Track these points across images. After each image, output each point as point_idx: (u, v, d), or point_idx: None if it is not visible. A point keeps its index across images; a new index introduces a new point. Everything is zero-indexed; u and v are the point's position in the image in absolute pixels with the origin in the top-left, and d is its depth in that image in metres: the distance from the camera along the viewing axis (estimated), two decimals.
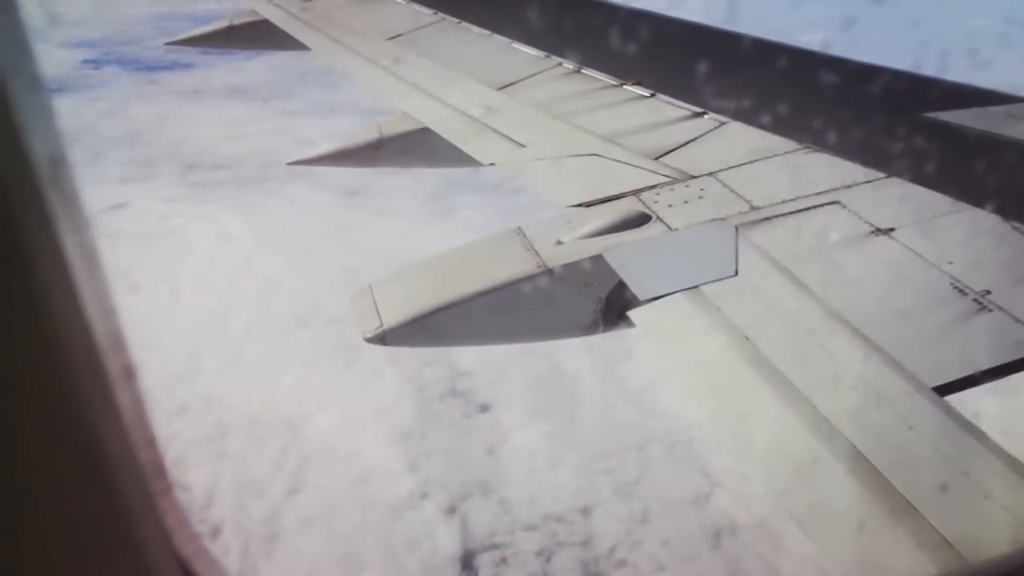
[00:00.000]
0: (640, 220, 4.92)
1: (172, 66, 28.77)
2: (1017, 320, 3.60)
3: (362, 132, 7.53)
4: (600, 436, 11.74)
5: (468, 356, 12.81)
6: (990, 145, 5.27)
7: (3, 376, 0.55)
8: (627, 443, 11.43)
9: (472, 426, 12.25)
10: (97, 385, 0.59)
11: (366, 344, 4.45)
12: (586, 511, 10.44)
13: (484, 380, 12.91)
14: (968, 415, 3.10)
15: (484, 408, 12.60)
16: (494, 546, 10.04)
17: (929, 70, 6.60)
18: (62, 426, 0.57)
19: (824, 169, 5.20)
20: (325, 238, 17.56)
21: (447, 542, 10.10)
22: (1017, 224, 4.23)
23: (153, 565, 0.62)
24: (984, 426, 3.04)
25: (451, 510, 10.51)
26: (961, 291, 3.82)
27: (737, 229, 4.63)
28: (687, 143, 5.93)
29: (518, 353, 12.55)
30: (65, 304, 0.56)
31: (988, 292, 3.77)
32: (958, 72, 6.66)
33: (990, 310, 3.68)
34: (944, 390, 3.25)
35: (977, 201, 4.46)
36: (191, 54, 24.70)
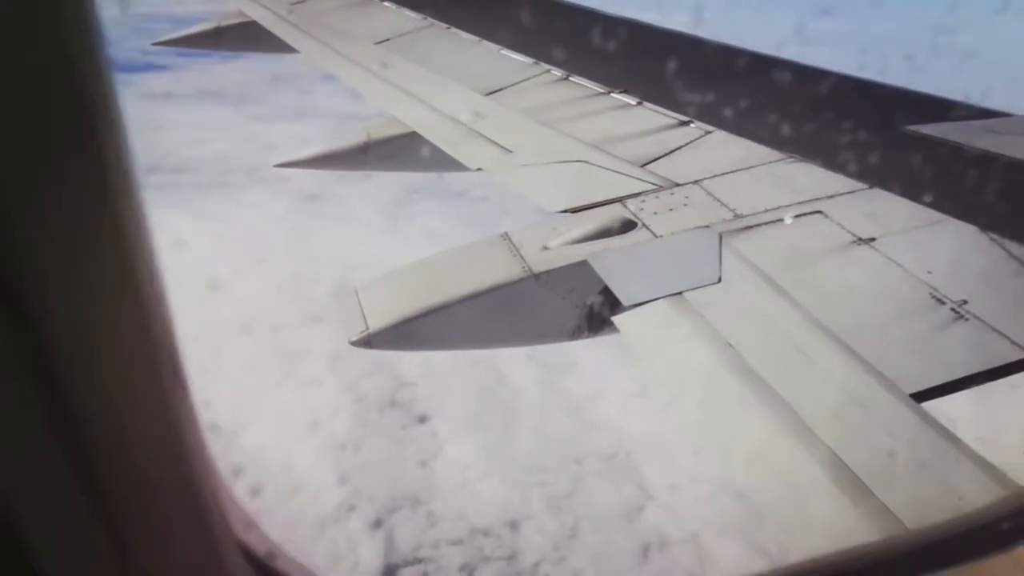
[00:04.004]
0: (625, 227, 4.96)
1: (146, 68, 28.47)
2: (993, 329, 3.67)
3: (350, 135, 7.55)
4: (537, 448, 11.62)
5: (412, 366, 12.69)
6: (969, 158, 5.36)
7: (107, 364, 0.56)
8: (563, 456, 11.32)
9: (408, 437, 12.09)
10: (176, 375, 0.60)
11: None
12: (515, 525, 10.33)
13: (425, 391, 12.73)
14: (945, 421, 3.16)
15: (422, 419, 12.42)
16: (417, 560, 9.92)
17: (910, 83, 6.71)
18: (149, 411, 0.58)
19: (807, 179, 5.27)
20: (279, 245, 17.38)
21: (370, 557, 9.95)
22: (994, 235, 4.31)
23: (224, 547, 0.63)
24: (960, 432, 3.09)
25: (377, 524, 10.38)
26: (939, 300, 3.89)
27: (721, 237, 4.68)
28: (673, 151, 5.99)
29: (462, 363, 12.38)
30: (148, 295, 0.57)
31: (965, 302, 3.84)
32: (938, 84, 6.77)
33: (967, 319, 3.75)
34: (921, 397, 3.30)
35: (956, 213, 4.54)
36: (167, 56, 24.60)
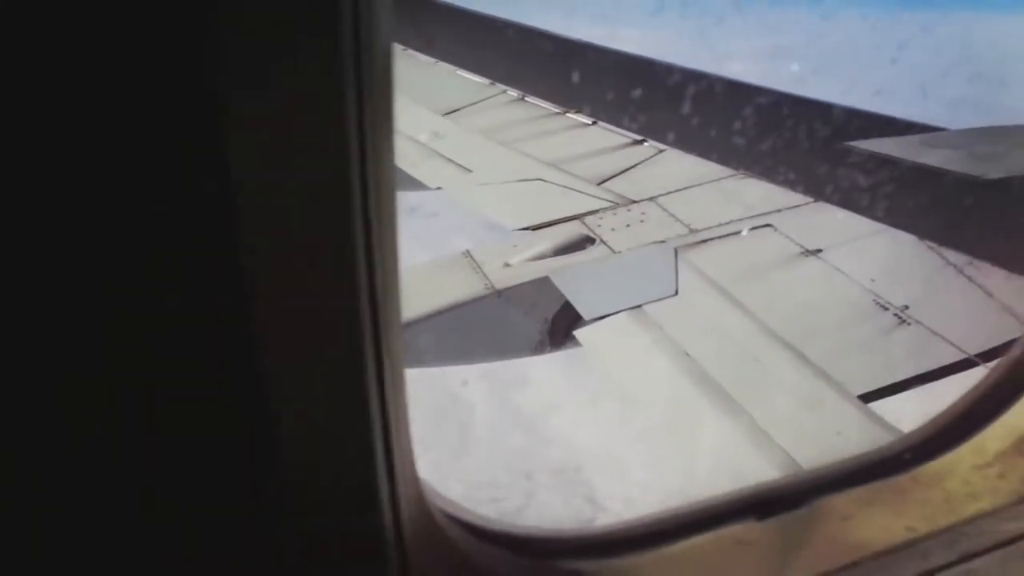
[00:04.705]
0: (584, 243, 5.10)
1: None
2: (934, 332, 3.88)
3: None
4: (489, 464, 11.58)
5: None
6: (907, 171, 5.63)
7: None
8: (516, 471, 11.33)
9: None
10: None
11: None
12: None
13: None
14: (891, 420, 3.33)
15: None
16: None
17: (851, 101, 7.00)
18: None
19: (756, 194, 5.49)
20: None
21: None
22: (932, 243, 4.56)
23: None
24: (905, 430, 3.26)
25: None
26: (883, 307, 4.10)
27: (677, 251, 4.84)
28: (628, 169, 6.17)
29: (414, 380, 12.32)
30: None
31: (907, 307, 4.06)
32: (878, 102, 7.09)
33: (909, 323, 3.97)
34: (869, 397, 3.48)
35: (896, 223, 4.79)
36: None
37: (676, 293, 4.42)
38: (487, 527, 0.76)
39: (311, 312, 0.58)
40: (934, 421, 1.12)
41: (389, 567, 0.64)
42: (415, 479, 0.68)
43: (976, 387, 1.14)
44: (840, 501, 0.95)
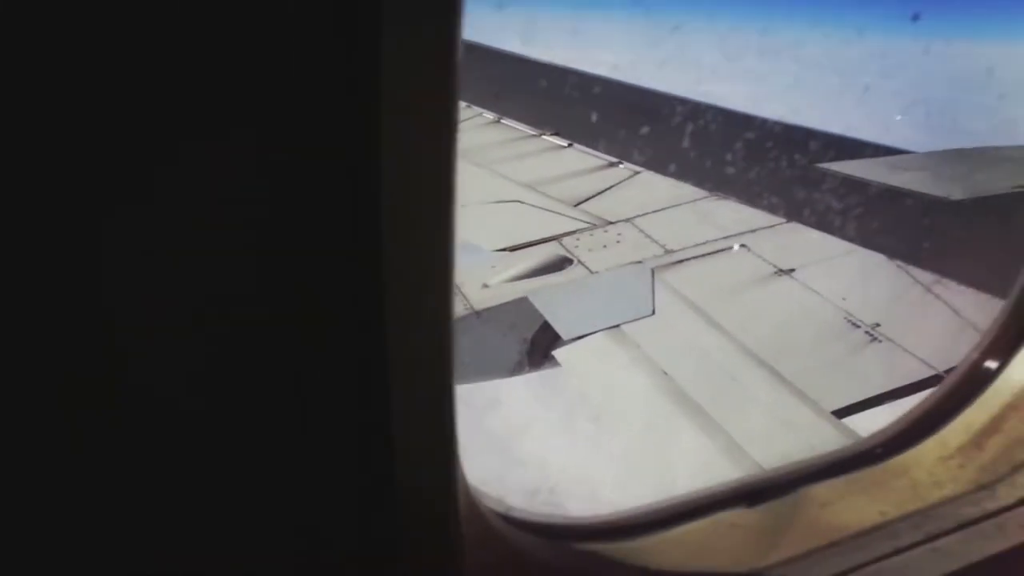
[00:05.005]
0: (562, 264, 5.15)
1: None
2: (904, 349, 3.98)
3: None
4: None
5: None
6: (875, 192, 5.78)
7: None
8: (487, 492, 11.31)
9: None
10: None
11: None
12: None
13: None
14: (864, 436, 3.39)
15: None
16: None
17: (821, 124, 7.18)
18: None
19: (731, 215, 5.60)
20: None
21: None
22: (900, 263, 4.68)
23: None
24: None
25: None
26: (855, 324, 4.20)
27: (653, 271, 4.91)
28: (604, 191, 6.25)
29: None
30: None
31: (878, 325, 4.16)
32: (848, 126, 7.26)
33: (880, 341, 4.06)
34: (842, 413, 3.55)
35: (865, 242, 4.91)
36: None
37: (653, 313, 4.48)
38: (509, 513, 0.82)
39: (420, 317, 0.62)
40: (901, 419, 1.26)
41: (456, 552, 0.69)
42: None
43: (938, 389, 1.27)
44: (820, 489, 1.06)
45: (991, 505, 1.07)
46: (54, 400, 0.53)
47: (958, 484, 1.12)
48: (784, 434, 3.51)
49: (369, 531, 0.66)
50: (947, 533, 1.02)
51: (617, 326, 4.44)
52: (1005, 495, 1.09)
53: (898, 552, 0.98)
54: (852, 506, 1.06)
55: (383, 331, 0.59)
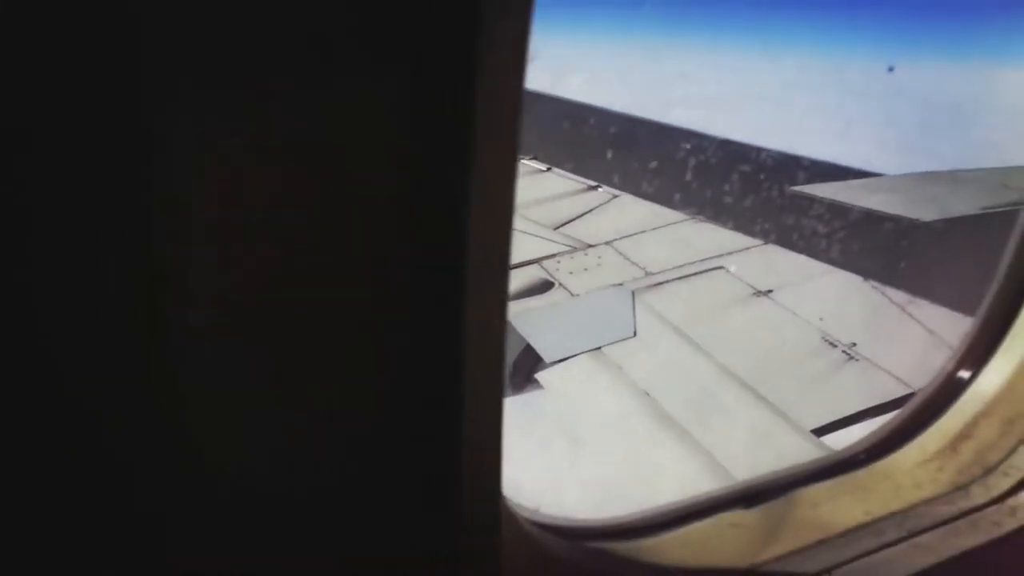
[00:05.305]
0: (543, 287, 5.19)
1: None
2: (880, 368, 4.05)
3: None
4: None
5: None
6: (850, 214, 5.90)
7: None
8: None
9: None
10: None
11: None
12: None
13: None
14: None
15: None
16: None
17: (798, 148, 7.32)
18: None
19: (709, 238, 5.68)
20: None
21: None
22: (876, 283, 4.78)
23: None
24: None
25: None
26: (832, 344, 4.27)
27: (634, 294, 4.96)
28: (583, 214, 6.32)
29: None
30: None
31: (855, 344, 4.23)
32: (824, 150, 7.40)
33: (857, 360, 4.13)
34: (821, 432, 3.61)
35: (841, 263, 5.01)
36: None
37: (635, 334, 4.52)
38: (532, 517, 0.88)
39: (490, 330, 0.66)
40: (884, 427, 1.34)
41: (499, 554, 0.75)
42: None
43: (916, 398, 1.37)
44: (811, 492, 1.16)
45: (966, 504, 1.18)
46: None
47: (936, 486, 1.22)
48: (765, 453, 3.55)
49: (430, 534, 0.69)
50: (926, 530, 1.12)
51: (599, 348, 4.47)
52: (978, 495, 1.20)
53: (883, 548, 1.09)
54: (840, 506, 1.16)
55: (461, 341, 0.63)
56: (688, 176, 6.74)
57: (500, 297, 0.66)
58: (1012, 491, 1.19)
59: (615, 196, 6.59)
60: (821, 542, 1.09)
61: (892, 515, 1.15)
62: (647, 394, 4.07)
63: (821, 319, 4.42)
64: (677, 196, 6.26)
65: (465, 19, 0.54)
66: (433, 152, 0.58)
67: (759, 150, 7.44)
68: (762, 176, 6.94)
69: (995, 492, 1.20)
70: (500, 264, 0.65)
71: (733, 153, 7.45)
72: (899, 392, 3.81)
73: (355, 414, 0.63)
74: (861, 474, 1.24)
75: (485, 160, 0.60)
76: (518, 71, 0.58)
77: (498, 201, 0.64)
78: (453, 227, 0.61)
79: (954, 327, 4.15)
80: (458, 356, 0.64)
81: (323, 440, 0.63)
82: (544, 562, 0.85)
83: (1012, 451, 1.24)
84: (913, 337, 4.30)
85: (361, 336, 0.62)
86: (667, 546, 1.01)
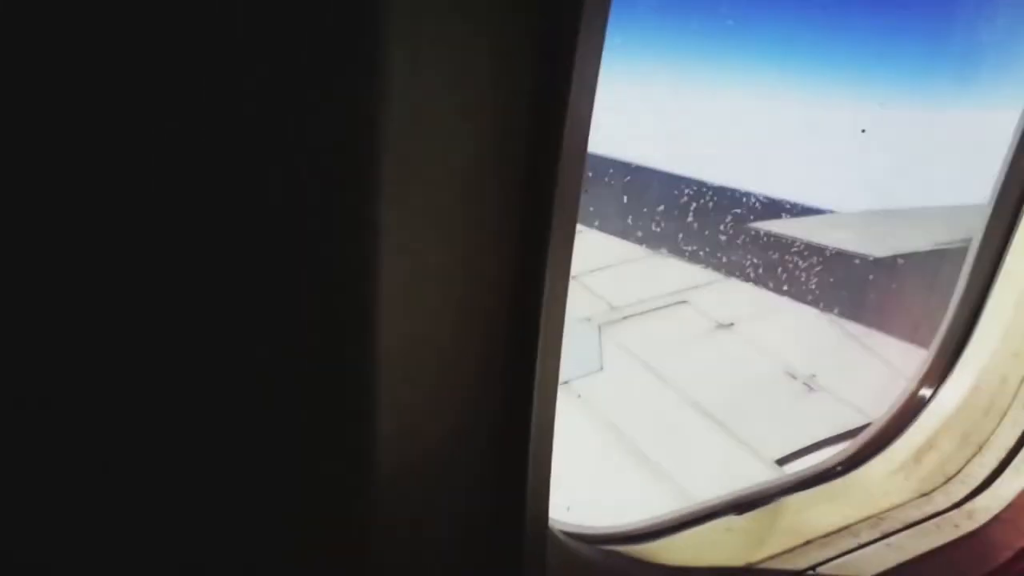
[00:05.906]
0: None
1: None
2: (839, 399, 4.15)
3: None
4: None
5: None
6: (809, 249, 6.07)
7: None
8: None
9: None
10: None
11: None
12: None
13: None
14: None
15: None
16: None
17: (759, 186, 7.52)
18: None
19: (673, 272, 5.80)
20: None
21: None
22: (834, 316, 4.92)
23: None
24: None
25: None
26: (792, 376, 4.37)
27: (600, 327, 5.03)
28: None
29: None
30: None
31: (814, 376, 4.33)
32: (785, 187, 7.61)
33: (817, 391, 4.23)
34: (784, 461, 3.68)
35: (801, 297, 5.15)
36: None
37: (601, 368, 4.57)
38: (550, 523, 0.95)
39: (551, 352, 0.72)
40: (855, 442, 1.52)
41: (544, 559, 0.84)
42: None
43: (883, 416, 1.54)
44: (795, 500, 1.32)
45: (930, 509, 1.34)
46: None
47: (903, 493, 1.39)
48: (730, 482, 3.60)
49: (497, 539, 0.77)
50: (897, 532, 1.29)
51: (566, 382, 4.51)
52: (940, 501, 1.37)
53: (859, 548, 1.25)
54: (821, 512, 1.31)
55: (534, 355, 0.71)
56: (651, 212, 6.88)
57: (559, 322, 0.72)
58: (969, 497, 1.36)
59: (579, 232, 6.70)
60: (806, 543, 1.25)
61: (866, 519, 1.32)
62: (614, 426, 4.11)
63: (781, 351, 4.54)
64: (641, 231, 6.39)
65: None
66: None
67: (715, 187, 7.61)
68: (723, 211, 7.11)
69: (955, 498, 1.36)
70: (562, 304, 0.72)
71: (694, 189, 7.61)
72: (858, 422, 3.91)
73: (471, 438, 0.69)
74: (838, 484, 1.41)
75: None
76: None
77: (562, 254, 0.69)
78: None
79: (909, 359, 4.29)
80: (530, 382, 0.71)
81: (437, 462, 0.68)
82: (571, 563, 0.95)
83: (968, 461, 1.41)
84: (871, 368, 4.43)
85: (486, 364, 0.68)
86: (671, 549, 1.15)
